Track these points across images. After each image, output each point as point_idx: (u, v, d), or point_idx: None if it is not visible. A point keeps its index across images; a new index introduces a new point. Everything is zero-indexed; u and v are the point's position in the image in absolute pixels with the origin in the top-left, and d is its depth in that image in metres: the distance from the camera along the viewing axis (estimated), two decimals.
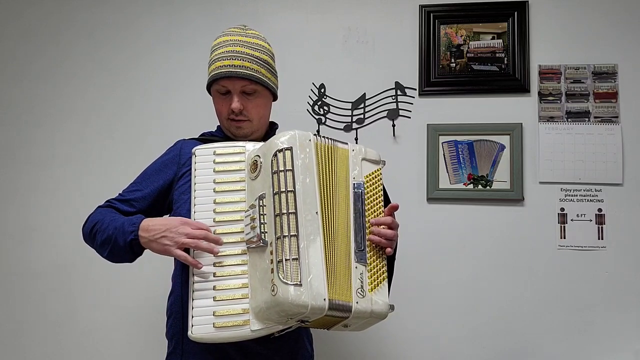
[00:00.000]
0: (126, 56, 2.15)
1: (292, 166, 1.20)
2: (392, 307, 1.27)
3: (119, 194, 1.42)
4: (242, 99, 1.38)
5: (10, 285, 2.11)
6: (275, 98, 1.49)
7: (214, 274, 1.21)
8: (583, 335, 1.83)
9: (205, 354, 1.27)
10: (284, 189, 1.18)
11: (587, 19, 1.92)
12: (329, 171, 1.27)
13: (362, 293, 1.22)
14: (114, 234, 1.28)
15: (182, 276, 1.31)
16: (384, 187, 1.39)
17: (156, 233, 1.22)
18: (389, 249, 1.30)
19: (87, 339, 2.05)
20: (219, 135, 1.47)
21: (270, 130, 1.53)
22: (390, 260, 1.37)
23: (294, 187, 1.19)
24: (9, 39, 2.21)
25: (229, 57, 1.36)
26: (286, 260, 1.13)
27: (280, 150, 1.21)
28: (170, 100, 2.10)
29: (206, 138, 1.46)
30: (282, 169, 1.19)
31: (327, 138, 1.31)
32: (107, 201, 1.41)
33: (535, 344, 1.85)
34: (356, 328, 1.30)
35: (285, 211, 1.16)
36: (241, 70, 1.35)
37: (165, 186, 1.40)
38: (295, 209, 1.17)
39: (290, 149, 1.21)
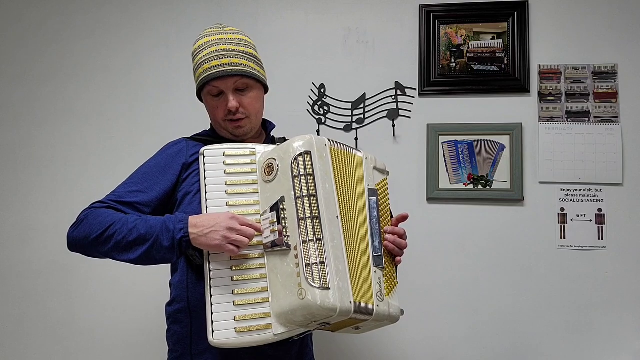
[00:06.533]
0: (126, 56, 2.15)
1: (313, 170, 1.19)
2: (402, 312, 1.30)
3: (115, 194, 1.31)
4: (237, 97, 1.35)
5: (10, 285, 2.11)
6: (266, 90, 1.45)
7: (232, 278, 1.18)
8: (583, 335, 1.83)
9: (216, 357, 1.25)
10: (306, 193, 1.17)
11: (587, 19, 1.92)
12: (345, 177, 1.27)
13: (380, 297, 1.23)
14: (150, 234, 1.19)
15: (190, 283, 1.29)
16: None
17: (205, 228, 1.18)
18: (398, 258, 1.33)
19: (87, 339, 2.05)
20: (214, 137, 1.43)
21: (265, 128, 1.49)
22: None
23: (316, 191, 1.18)
24: (9, 40, 2.21)
25: (216, 57, 1.33)
26: (314, 264, 1.12)
27: (300, 155, 1.20)
28: (169, 100, 2.10)
29: (205, 139, 1.42)
30: (303, 173, 1.18)
31: (341, 144, 1.30)
32: (103, 202, 1.29)
33: (535, 344, 1.85)
34: (364, 331, 1.31)
35: (309, 215, 1.15)
36: (231, 68, 1.32)
37: (171, 188, 1.34)
38: (319, 213, 1.16)
39: (310, 153, 1.21)
